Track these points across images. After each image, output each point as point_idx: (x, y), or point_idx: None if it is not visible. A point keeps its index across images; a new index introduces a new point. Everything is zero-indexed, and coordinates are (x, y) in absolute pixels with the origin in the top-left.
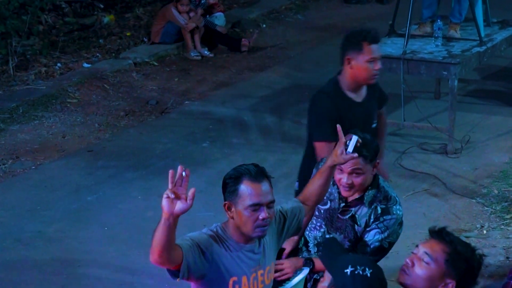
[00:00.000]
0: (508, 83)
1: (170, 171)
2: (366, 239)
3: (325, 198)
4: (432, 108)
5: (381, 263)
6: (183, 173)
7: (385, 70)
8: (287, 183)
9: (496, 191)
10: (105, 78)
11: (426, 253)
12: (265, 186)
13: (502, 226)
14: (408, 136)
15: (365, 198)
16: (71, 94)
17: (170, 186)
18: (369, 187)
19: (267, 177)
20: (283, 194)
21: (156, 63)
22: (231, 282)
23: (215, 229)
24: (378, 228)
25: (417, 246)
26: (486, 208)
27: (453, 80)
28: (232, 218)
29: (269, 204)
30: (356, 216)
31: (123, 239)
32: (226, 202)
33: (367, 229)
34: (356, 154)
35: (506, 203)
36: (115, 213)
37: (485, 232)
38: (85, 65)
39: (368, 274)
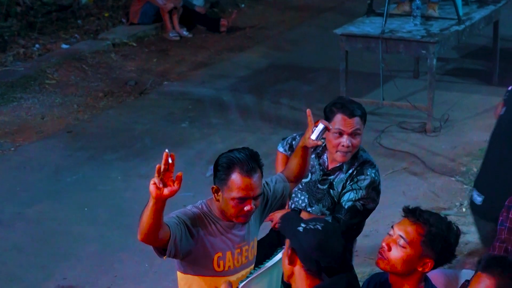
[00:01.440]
0: (487, 61)
1: (164, 154)
2: (341, 201)
3: None
4: (411, 87)
5: (361, 242)
6: (169, 160)
7: (363, 49)
8: (267, 163)
9: (475, 169)
10: (83, 59)
11: (401, 236)
12: (255, 178)
13: None
14: (387, 115)
15: (345, 166)
16: (50, 75)
17: (157, 174)
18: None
19: (260, 167)
20: (263, 173)
21: (134, 44)
22: (215, 258)
23: (200, 206)
24: (352, 189)
25: (392, 227)
26: (465, 186)
27: (431, 59)
28: (218, 201)
29: (256, 197)
30: (334, 183)
31: (103, 219)
32: (214, 185)
33: (343, 191)
34: (320, 142)
35: None
36: (94, 194)
37: (464, 210)
38: (64, 46)
39: (320, 228)
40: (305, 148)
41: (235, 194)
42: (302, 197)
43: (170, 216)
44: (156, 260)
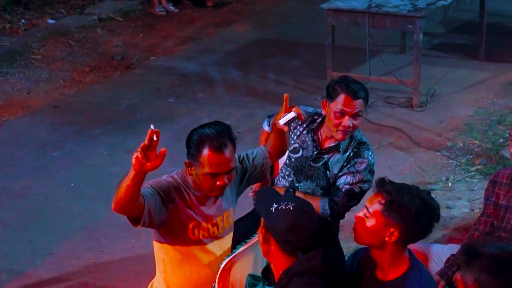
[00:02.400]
0: (473, 36)
1: (149, 131)
2: (338, 183)
3: (297, 146)
4: (397, 62)
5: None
6: (154, 137)
7: (350, 24)
8: (253, 138)
9: (461, 144)
10: (69, 34)
11: (366, 207)
12: (226, 154)
13: (467, 179)
14: (373, 90)
15: (341, 146)
16: (36, 50)
17: (140, 149)
18: None
19: (231, 141)
20: (249, 148)
21: (121, 19)
22: (190, 226)
23: (175, 175)
24: (350, 172)
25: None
26: (451, 161)
27: (418, 34)
28: (191, 175)
29: (229, 171)
30: (329, 163)
31: (89, 194)
32: (187, 161)
33: (340, 173)
34: (286, 128)
35: (471, 156)
36: (81, 169)
37: (450, 184)
38: (50, 21)
39: (291, 208)
40: (275, 127)
41: (207, 170)
42: (287, 173)
43: (145, 186)
44: (142, 236)
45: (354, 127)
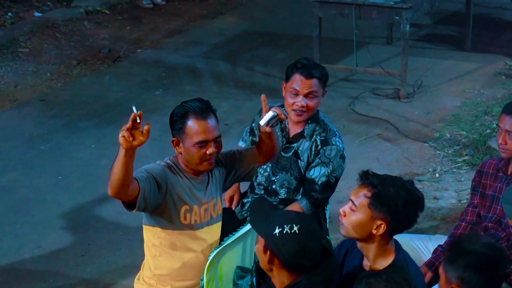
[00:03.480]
0: (460, 27)
1: (132, 115)
2: (313, 176)
3: None
4: (384, 53)
5: (334, 209)
6: (137, 119)
7: (337, 16)
8: (241, 130)
9: (448, 135)
10: (56, 27)
11: (352, 201)
12: (211, 121)
13: (454, 169)
14: (360, 81)
15: (306, 131)
16: (23, 43)
17: (125, 129)
18: (309, 121)
19: (213, 112)
20: (237, 140)
21: (108, 12)
22: (182, 211)
23: (167, 160)
24: (322, 162)
25: (350, 193)
26: (439, 152)
27: (405, 25)
28: (181, 153)
29: (216, 139)
30: (299, 151)
31: (77, 187)
32: (174, 138)
33: (312, 165)
34: (268, 129)
35: (458, 147)
36: (68, 162)
37: (437, 175)
38: (36, 14)
39: (297, 231)
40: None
41: (195, 139)
42: (264, 166)
43: (139, 170)
44: (130, 228)
45: (309, 108)
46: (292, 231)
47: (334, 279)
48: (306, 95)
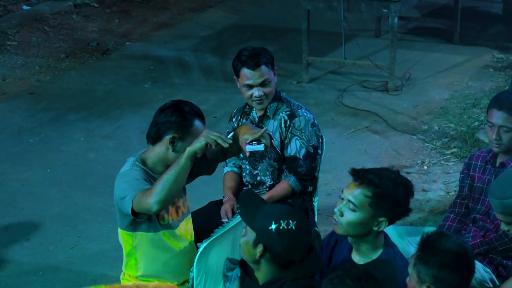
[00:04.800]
0: (448, 20)
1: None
2: (292, 153)
3: None
4: (372, 46)
5: (323, 201)
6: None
7: (325, 9)
8: None
9: (436, 127)
10: (45, 20)
11: (350, 201)
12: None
13: (443, 162)
14: (349, 74)
15: (268, 111)
16: (11, 36)
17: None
18: (270, 101)
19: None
20: (225, 133)
21: (96, 5)
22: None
23: (135, 167)
24: (294, 135)
25: (342, 191)
26: (427, 144)
27: (393, 18)
28: (174, 150)
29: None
30: (270, 133)
31: (66, 180)
32: (174, 135)
33: (285, 142)
34: (248, 154)
35: (446, 139)
36: (57, 155)
37: (426, 167)
38: (25, 7)
39: (293, 227)
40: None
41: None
42: (244, 166)
43: (134, 182)
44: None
45: (267, 94)
46: (289, 227)
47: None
48: (259, 85)
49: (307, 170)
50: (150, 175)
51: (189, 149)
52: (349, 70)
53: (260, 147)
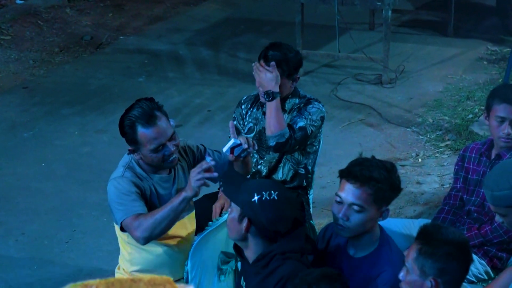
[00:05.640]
0: (442, 13)
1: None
2: (291, 122)
3: (251, 125)
4: (366, 39)
5: (318, 194)
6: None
7: (319, 2)
8: (224, 116)
9: (430, 120)
10: (38, 14)
11: (353, 203)
12: (160, 123)
13: (437, 154)
14: (343, 67)
15: (286, 106)
16: (5, 31)
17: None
18: (290, 96)
19: (159, 109)
20: (220, 127)
21: None
22: None
23: (126, 173)
24: (302, 115)
25: (337, 194)
26: (421, 137)
27: (387, 11)
28: (141, 159)
29: (171, 138)
30: None
31: (60, 175)
32: (130, 148)
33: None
34: (231, 156)
35: (440, 132)
36: (51, 149)
37: (420, 160)
38: (18, 1)
39: (275, 197)
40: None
41: (150, 146)
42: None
43: (125, 196)
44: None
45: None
46: (271, 197)
47: (306, 251)
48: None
49: (294, 139)
50: (142, 177)
51: (185, 195)
52: (343, 63)
53: (230, 141)
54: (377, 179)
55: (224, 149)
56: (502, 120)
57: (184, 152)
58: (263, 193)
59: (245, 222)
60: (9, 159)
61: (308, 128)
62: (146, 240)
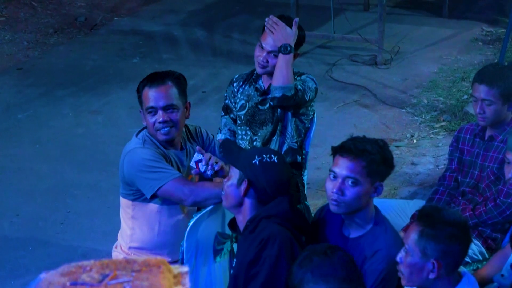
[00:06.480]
0: None
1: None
2: None
3: (243, 102)
4: (361, 20)
5: (313, 174)
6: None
7: None
8: (218, 97)
9: (425, 101)
10: None
11: (348, 176)
12: (163, 88)
13: (432, 135)
14: (338, 48)
15: None
16: None
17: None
18: None
19: (173, 81)
20: (214, 107)
21: None
22: None
23: (145, 139)
24: (296, 81)
25: (331, 170)
26: (416, 118)
27: None
28: (147, 129)
29: (166, 108)
30: None
31: (55, 156)
32: (140, 110)
33: None
34: (195, 170)
35: (435, 113)
36: (46, 131)
37: (415, 141)
38: None
39: (276, 160)
40: None
41: (145, 105)
42: (243, 132)
43: (162, 165)
44: (109, 196)
45: (272, 66)
46: (272, 160)
47: (296, 219)
48: (269, 52)
49: (300, 95)
50: (161, 149)
51: None
52: (338, 44)
53: (196, 156)
54: (370, 151)
55: (191, 163)
56: (475, 99)
57: (196, 136)
58: (264, 155)
59: (244, 185)
60: (3, 140)
61: (307, 93)
62: (194, 204)
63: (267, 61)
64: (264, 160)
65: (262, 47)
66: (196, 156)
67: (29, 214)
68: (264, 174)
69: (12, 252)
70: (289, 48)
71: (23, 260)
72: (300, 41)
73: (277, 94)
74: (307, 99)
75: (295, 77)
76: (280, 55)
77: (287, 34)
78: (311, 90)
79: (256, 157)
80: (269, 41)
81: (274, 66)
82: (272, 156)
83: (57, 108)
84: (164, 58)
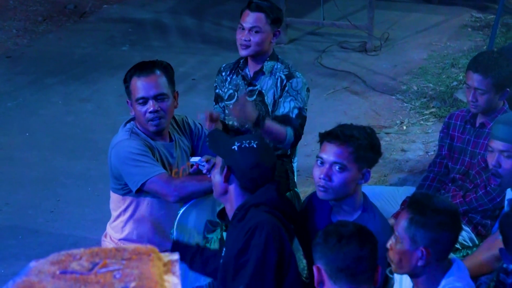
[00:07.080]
0: None
1: None
2: (285, 112)
3: (232, 92)
4: (351, 6)
5: (303, 162)
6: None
7: None
8: (208, 85)
9: (415, 88)
10: None
11: (335, 162)
12: (152, 77)
13: (422, 122)
14: (327, 35)
15: (265, 67)
16: None
17: None
18: (268, 59)
19: (162, 69)
20: (204, 95)
21: None
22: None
23: (133, 132)
24: (290, 95)
25: (318, 156)
26: (406, 104)
27: None
28: (136, 120)
29: (157, 97)
30: (263, 91)
31: (44, 144)
32: (127, 100)
33: (280, 100)
34: (194, 168)
35: (425, 99)
36: (35, 119)
37: (405, 128)
38: None
39: (255, 145)
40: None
41: (135, 95)
42: (230, 122)
43: (147, 160)
44: (98, 185)
45: (252, 43)
46: (250, 145)
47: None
48: (249, 30)
49: (299, 125)
50: (148, 142)
51: None
52: (327, 31)
53: (196, 160)
54: (357, 137)
55: (191, 160)
56: (468, 87)
57: (183, 126)
58: (243, 141)
59: (225, 171)
60: None
61: (303, 111)
62: (178, 200)
63: (250, 40)
64: (242, 146)
65: (243, 28)
66: (198, 160)
67: (19, 202)
68: (242, 158)
69: (2, 241)
70: (262, 120)
71: (12, 249)
72: (278, 18)
73: (287, 146)
74: (306, 113)
75: (282, 74)
76: (262, 131)
77: (250, 110)
78: (306, 97)
79: (236, 143)
80: (248, 20)
81: (257, 45)
82: (252, 141)
83: (47, 96)
84: (154, 45)
